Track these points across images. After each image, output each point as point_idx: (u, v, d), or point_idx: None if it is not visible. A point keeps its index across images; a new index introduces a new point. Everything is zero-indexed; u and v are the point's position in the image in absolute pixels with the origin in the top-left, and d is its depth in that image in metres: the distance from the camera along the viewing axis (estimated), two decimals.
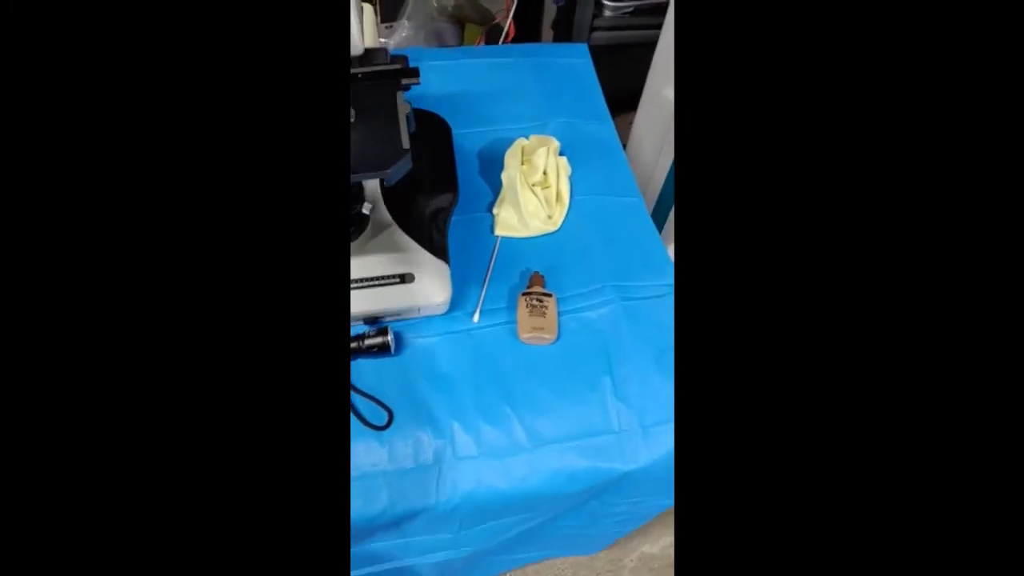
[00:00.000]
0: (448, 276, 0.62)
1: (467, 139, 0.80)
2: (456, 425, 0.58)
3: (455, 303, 0.64)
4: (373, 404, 0.59)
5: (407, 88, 0.57)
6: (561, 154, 0.75)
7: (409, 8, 1.19)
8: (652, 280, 0.68)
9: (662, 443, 0.59)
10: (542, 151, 0.72)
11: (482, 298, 0.66)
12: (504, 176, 0.73)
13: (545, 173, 0.72)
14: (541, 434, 0.58)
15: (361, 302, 0.60)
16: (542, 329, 0.62)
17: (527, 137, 0.77)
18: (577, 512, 0.69)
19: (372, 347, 0.60)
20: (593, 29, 1.08)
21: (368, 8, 0.58)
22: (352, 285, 0.60)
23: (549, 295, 0.64)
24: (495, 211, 0.72)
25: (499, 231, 0.71)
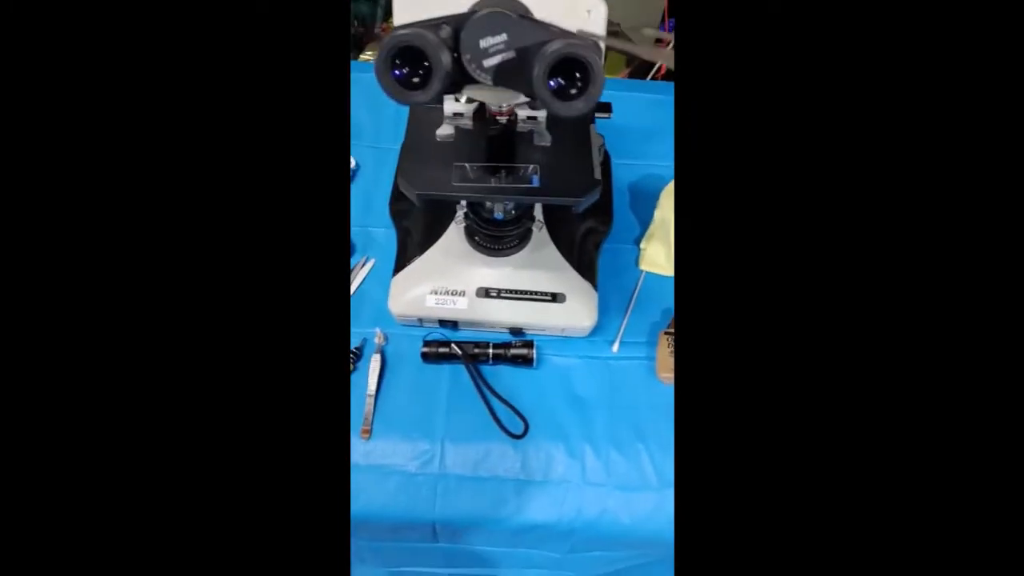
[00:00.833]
0: (596, 302, 0.64)
1: (619, 170, 0.81)
2: (588, 449, 0.59)
3: (595, 329, 0.66)
4: (509, 412, 0.61)
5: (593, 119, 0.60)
6: None
7: None
8: None
9: None
10: None
11: (622, 329, 0.67)
12: (657, 213, 0.74)
13: None
14: (670, 476, 0.58)
15: (512, 312, 0.63)
16: None
17: None
18: None
19: (517, 357, 0.63)
20: None
21: None
22: (507, 295, 0.63)
23: None
24: (643, 245, 0.73)
25: (644, 266, 0.72)
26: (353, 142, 0.79)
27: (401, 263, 0.65)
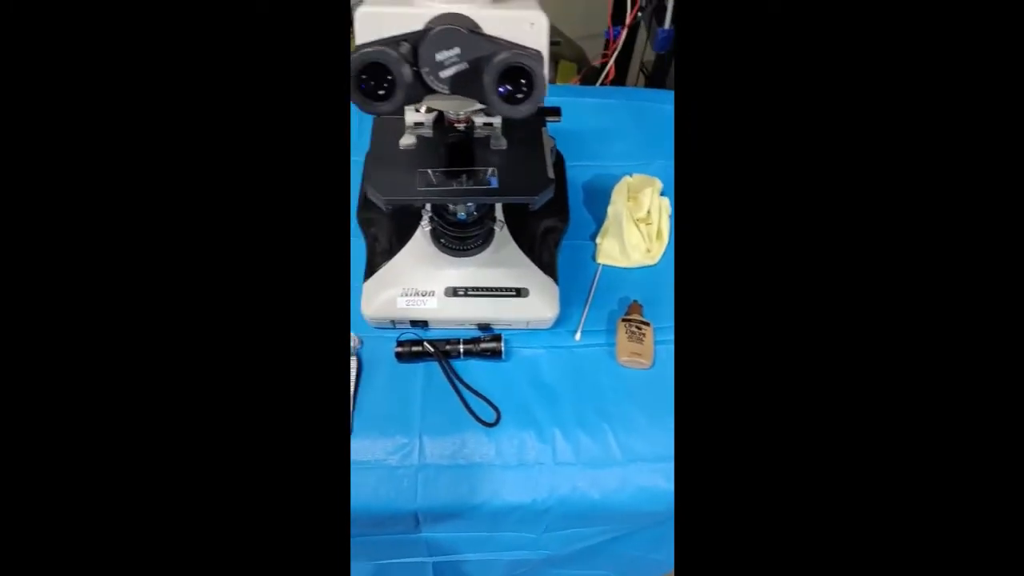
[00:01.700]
0: (557, 295, 0.68)
1: (573, 171, 0.86)
2: (557, 432, 0.63)
3: (558, 321, 0.70)
4: (482, 402, 0.64)
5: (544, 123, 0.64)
6: (662, 195, 0.81)
7: None
8: None
9: None
10: (648, 190, 0.78)
11: (583, 319, 0.71)
12: (610, 209, 0.79)
13: (648, 211, 0.78)
14: (634, 451, 0.62)
15: (479, 309, 0.67)
16: (639, 355, 0.67)
17: (631, 175, 0.83)
18: (646, 533, 0.72)
19: (486, 350, 0.66)
20: None
21: None
22: (474, 293, 0.66)
23: (647, 323, 0.69)
24: (598, 240, 0.78)
25: (601, 259, 0.77)
26: None
27: (371, 268, 0.68)
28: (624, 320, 0.70)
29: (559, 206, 0.77)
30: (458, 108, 0.53)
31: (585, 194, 0.85)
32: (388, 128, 0.60)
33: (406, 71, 0.36)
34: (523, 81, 0.38)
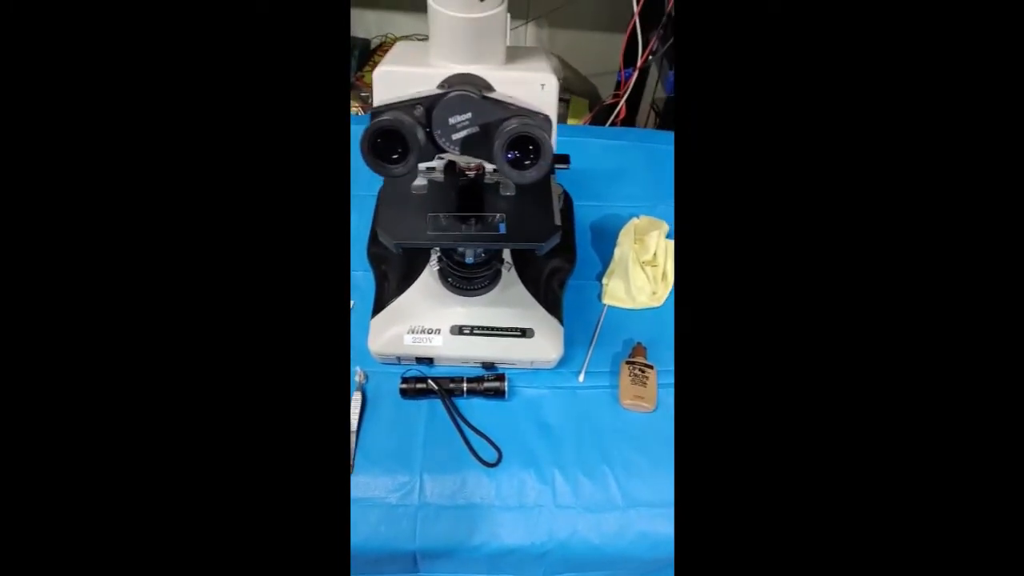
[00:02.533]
0: (562, 336, 0.69)
1: (581, 210, 0.87)
2: (557, 474, 0.63)
3: (562, 360, 0.71)
4: (484, 442, 0.65)
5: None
6: (668, 237, 0.82)
7: None
8: None
9: None
10: (654, 233, 0.79)
11: (587, 360, 0.72)
12: (617, 250, 0.80)
13: (655, 254, 0.79)
14: (634, 496, 0.63)
15: (484, 348, 0.68)
16: (642, 398, 0.68)
17: (638, 217, 0.84)
18: None
19: (489, 390, 0.67)
20: None
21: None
22: (479, 332, 0.68)
23: (651, 367, 0.70)
24: (604, 281, 0.79)
25: (606, 300, 0.78)
26: None
27: (379, 304, 0.70)
28: (628, 362, 0.70)
29: (566, 247, 0.78)
30: (470, 159, 0.55)
31: (592, 234, 0.86)
32: None
33: (420, 135, 0.38)
34: (531, 148, 0.39)
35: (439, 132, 0.41)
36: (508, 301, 0.69)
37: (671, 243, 0.81)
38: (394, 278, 0.71)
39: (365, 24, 1.48)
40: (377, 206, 0.63)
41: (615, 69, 1.38)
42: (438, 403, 0.67)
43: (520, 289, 0.70)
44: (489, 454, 0.64)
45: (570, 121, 1.42)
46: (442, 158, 0.59)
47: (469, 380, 0.67)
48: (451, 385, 0.67)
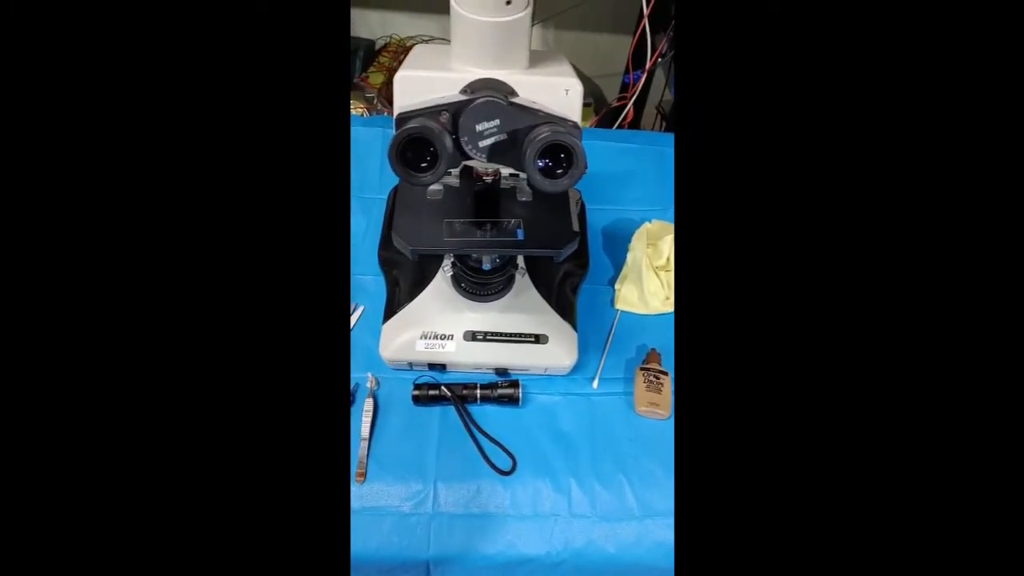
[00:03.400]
0: (576, 342, 0.68)
1: (592, 215, 0.87)
2: (573, 482, 0.63)
3: (575, 366, 0.70)
4: (498, 449, 0.64)
5: None
6: None
7: None
8: None
9: None
10: (668, 238, 0.78)
11: (601, 366, 0.71)
12: (629, 256, 0.80)
13: (668, 259, 0.78)
14: (651, 505, 0.62)
15: (497, 354, 0.67)
16: (657, 405, 0.67)
17: (650, 221, 0.84)
18: None
19: (503, 396, 0.66)
20: None
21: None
22: (492, 338, 0.67)
23: (665, 373, 0.69)
24: (617, 286, 0.79)
25: (619, 305, 0.77)
26: None
27: (391, 310, 0.69)
28: (642, 369, 0.70)
29: (579, 252, 0.77)
30: (488, 165, 0.54)
31: (604, 238, 0.86)
32: None
33: (448, 143, 0.37)
34: (563, 155, 0.39)
35: (466, 139, 0.40)
36: (521, 307, 0.68)
37: None
38: (406, 283, 0.71)
39: (369, 25, 1.47)
40: (390, 210, 0.62)
41: (619, 71, 1.37)
42: (451, 410, 0.66)
43: (533, 295, 0.69)
44: (503, 462, 0.64)
45: None
46: (462, 164, 0.58)
47: (482, 387, 0.67)
48: (464, 392, 0.66)
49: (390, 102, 1.17)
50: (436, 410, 0.67)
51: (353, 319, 0.73)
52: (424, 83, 0.43)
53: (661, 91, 1.32)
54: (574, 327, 0.69)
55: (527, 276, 0.70)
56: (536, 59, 0.48)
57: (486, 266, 0.62)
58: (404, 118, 0.38)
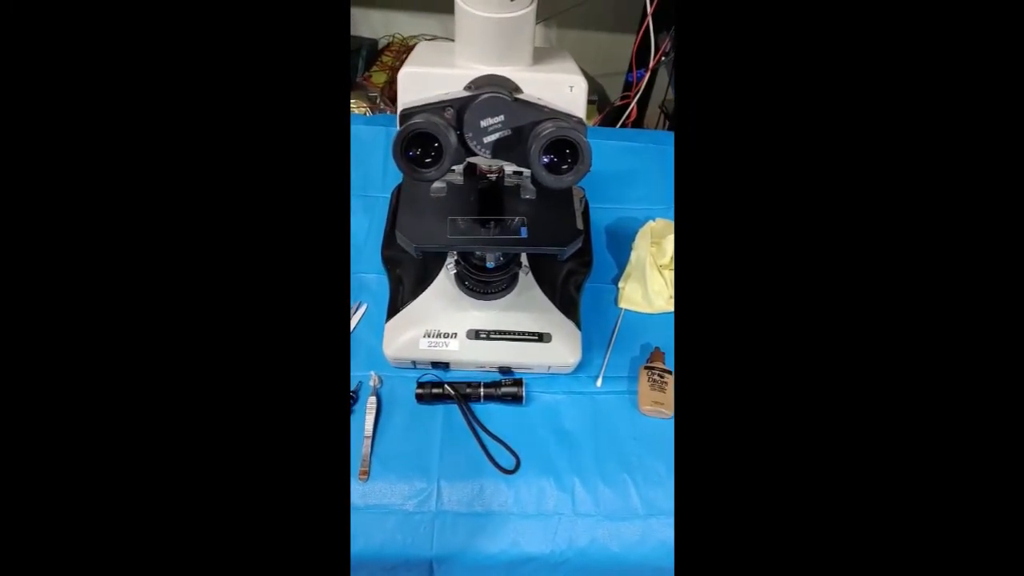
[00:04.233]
0: (579, 340, 0.68)
1: (595, 213, 0.87)
2: (577, 481, 0.62)
3: (579, 365, 0.70)
4: (501, 448, 0.64)
5: None
6: None
7: None
8: None
9: None
10: (672, 236, 0.78)
11: (605, 365, 0.71)
12: (633, 254, 0.79)
13: (672, 258, 0.78)
14: (655, 504, 0.62)
15: (501, 352, 0.67)
16: (661, 404, 0.67)
17: (654, 219, 0.83)
18: None
19: (506, 395, 0.66)
20: None
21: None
22: (496, 336, 0.67)
23: (669, 372, 0.69)
24: (620, 285, 0.78)
25: (623, 304, 0.77)
26: None
27: (394, 308, 0.69)
28: (646, 367, 0.69)
29: (583, 250, 0.77)
30: (492, 162, 0.54)
31: (608, 237, 0.85)
32: None
33: (453, 138, 0.37)
34: (567, 151, 0.39)
35: (471, 135, 0.40)
36: (525, 305, 0.68)
37: None
38: (409, 281, 0.70)
39: (371, 24, 1.47)
40: (392, 208, 0.62)
41: (622, 70, 1.37)
42: (454, 408, 0.66)
43: (537, 293, 0.69)
44: (507, 460, 0.63)
45: None
46: (466, 160, 0.58)
47: (486, 385, 0.66)
48: (467, 390, 0.66)
49: (393, 101, 1.17)
50: (439, 408, 0.66)
51: (356, 318, 0.73)
52: (428, 80, 0.43)
53: (664, 90, 1.31)
54: (578, 325, 0.69)
55: (531, 274, 0.70)
56: (540, 56, 0.48)
57: (490, 264, 0.62)
58: (408, 114, 0.38)
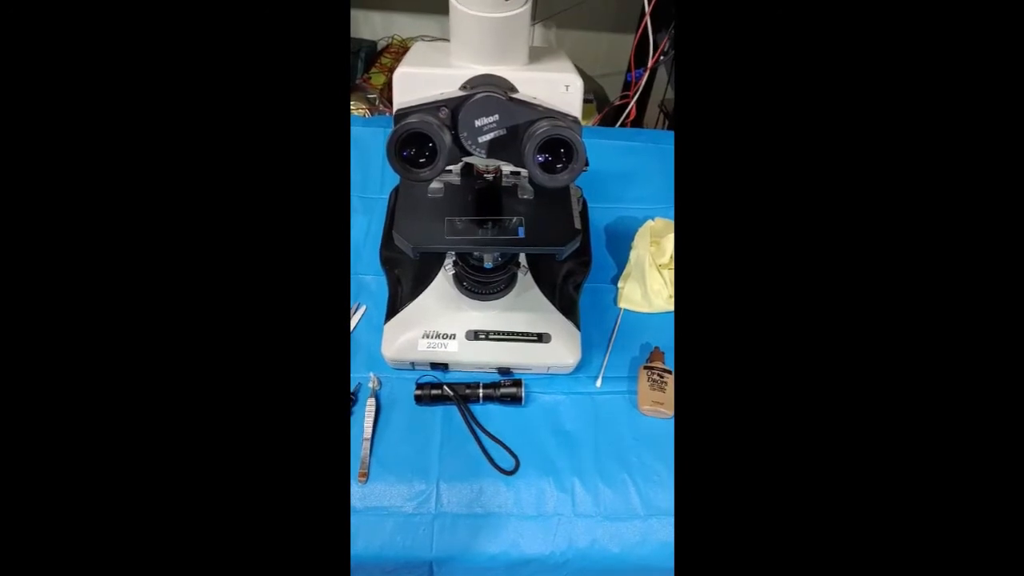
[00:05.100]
0: (579, 341, 0.68)
1: (595, 213, 0.86)
2: (577, 482, 0.62)
3: (579, 365, 0.69)
4: (501, 449, 0.64)
5: None
6: None
7: None
8: None
9: None
10: (671, 236, 0.78)
11: (604, 365, 0.71)
12: (632, 254, 0.79)
13: (671, 257, 0.78)
14: (656, 504, 0.61)
15: (500, 353, 0.67)
16: (661, 404, 0.66)
17: (653, 219, 0.83)
18: None
19: (506, 396, 0.66)
20: None
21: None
22: (495, 337, 0.66)
23: (669, 371, 0.69)
24: (620, 284, 0.78)
25: (622, 304, 0.77)
26: None
27: (393, 309, 0.69)
28: (646, 367, 0.69)
29: (581, 250, 0.77)
30: (489, 162, 0.54)
31: (607, 236, 0.85)
32: None
33: (447, 138, 0.37)
34: (562, 151, 0.38)
35: (465, 134, 0.40)
36: (524, 305, 0.68)
37: None
38: (407, 282, 0.70)
39: (371, 26, 1.47)
40: (391, 209, 0.62)
41: (620, 70, 1.37)
42: (454, 409, 0.66)
43: (536, 293, 0.69)
44: (506, 461, 0.63)
45: None
46: (462, 160, 0.58)
47: (485, 386, 0.66)
48: (467, 391, 0.66)
49: (392, 103, 1.17)
50: (439, 410, 0.66)
51: (355, 319, 0.73)
52: (423, 80, 0.43)
53: (663, 89, 1.31)
54: (577, 326, 0.69)
55: (529, 275, 0.70)
56: (536, 55, 0.48)
57: (488, 264, 0.62)
58: (403, 114, 0.38)
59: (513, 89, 0.43)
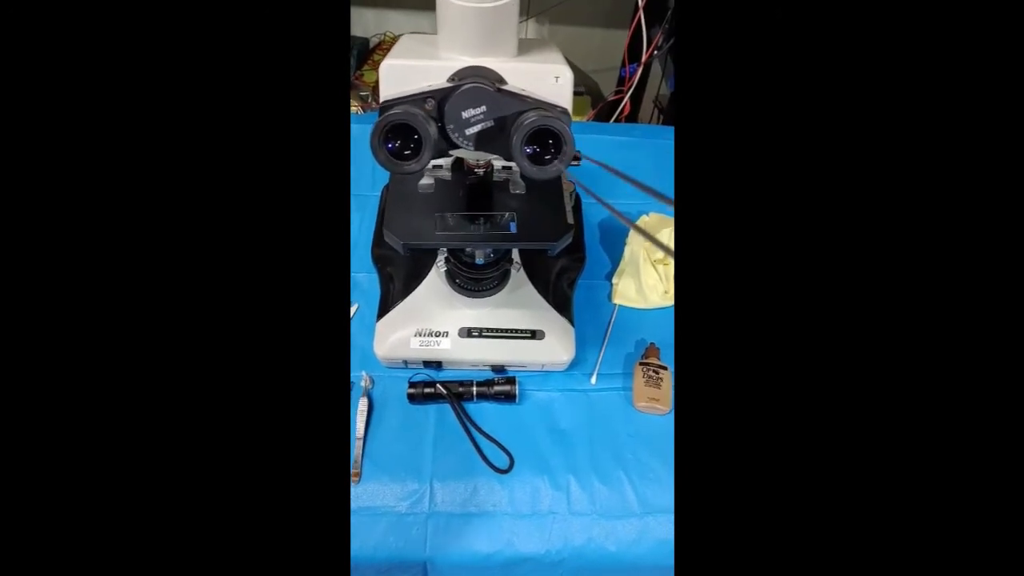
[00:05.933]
0: (573, 337, 0.67)
1: (589, 209, 0.86)
2: (572, 480, 0.61)
3: (573, 362, 0.69)
4: (495, 447, 0.63)
5: None
6: None
7: None
8: None
9: None
10: (666, 231, 0.77)
11: (599, 362, 0.70)
12: (627, 249, 0.78)
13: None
14: (651, 502, 0.61)
15: (494, 351, 0.66)
16: (657, 400, 0.66)
17: (648, 214, 0.83)
18: None
19: (500, 393, 0.65)
20: None
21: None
22: (488, 334, 0.66)
23: (664, 367, 0.68)
24: (614, 281, 0.77)
25: (617, 300, 0.76)
26: None
27: (385, 307, 0.68)
28: (641, 364, 0.68)
29: (575, 246, 0.76)
30: (479, 156, 0.53)
31: (601, 232, 0.84)
32: None
33: (432, 130, 0.36)
34: (551, 142, 0.38)
35: (452, 127, 0.39)
36: (517, 302, 0.67)
37: None
38: (400, 280, 0.69)
39: (363, 23, 1.46)
40: (382, 206, 0.61)
41: (615, 65, 1.36)
42: (447, 408, 0.65)
43: (529, 290, 0.68)
44: (501, 460, 0.62)
45: (573, 118, 1.40)
46: (451, 155, 0.57)
47: (479, 384, 0.65)
48: (460, 389, 0.65)
49: None
50: (432, 408, 0.66)
51: None
52: (410, 72, 0.42)
53: (658, 84, 1.31)
54: (571, 322, 0.68)
55: (523, 271, 0.69)
56: (525, 47, 0.47)
57: (480, 260, 0.61)
58: (388, 106, 0.37)
59: (502, 81, 0.42)
